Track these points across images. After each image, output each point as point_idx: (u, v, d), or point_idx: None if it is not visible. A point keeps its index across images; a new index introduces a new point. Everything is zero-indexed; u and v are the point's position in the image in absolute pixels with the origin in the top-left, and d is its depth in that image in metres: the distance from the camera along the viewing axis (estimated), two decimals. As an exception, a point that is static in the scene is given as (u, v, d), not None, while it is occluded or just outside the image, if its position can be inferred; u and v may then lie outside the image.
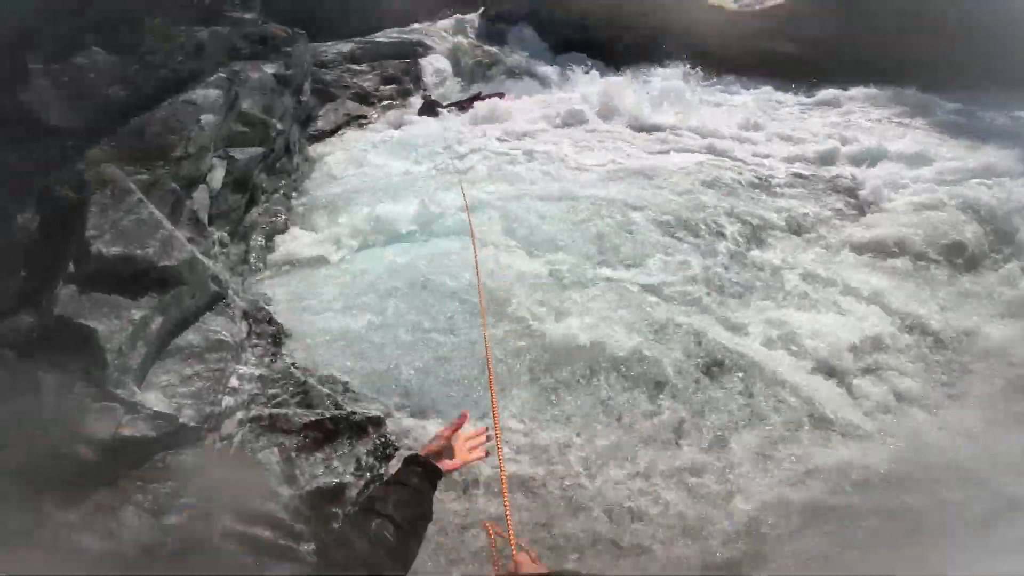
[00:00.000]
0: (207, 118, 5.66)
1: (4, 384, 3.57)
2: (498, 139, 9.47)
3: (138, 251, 4.18)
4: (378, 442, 4.19)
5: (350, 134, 10.65)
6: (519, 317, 5.18)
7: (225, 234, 6.09)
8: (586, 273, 5.79)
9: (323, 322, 5.36)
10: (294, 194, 7.89)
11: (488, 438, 1.65)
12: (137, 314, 3.92)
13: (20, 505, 3.06)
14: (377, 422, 4.34)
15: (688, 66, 12.65)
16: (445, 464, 1.51)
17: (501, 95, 11.99)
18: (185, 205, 5.17)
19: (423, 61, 13.82)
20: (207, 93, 5.97)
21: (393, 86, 12.76)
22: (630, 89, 11.09)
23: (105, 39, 5.52)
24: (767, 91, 11.94)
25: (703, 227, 6.58)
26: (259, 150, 6.85)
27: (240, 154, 6.37)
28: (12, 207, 4.16)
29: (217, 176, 5.98)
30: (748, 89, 12.05)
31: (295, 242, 6.90)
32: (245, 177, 6.87)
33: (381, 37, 15.05)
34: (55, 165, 4.53)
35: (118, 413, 3.50)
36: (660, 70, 12.48)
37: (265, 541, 3.33)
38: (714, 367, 4.77)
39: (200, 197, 5.40)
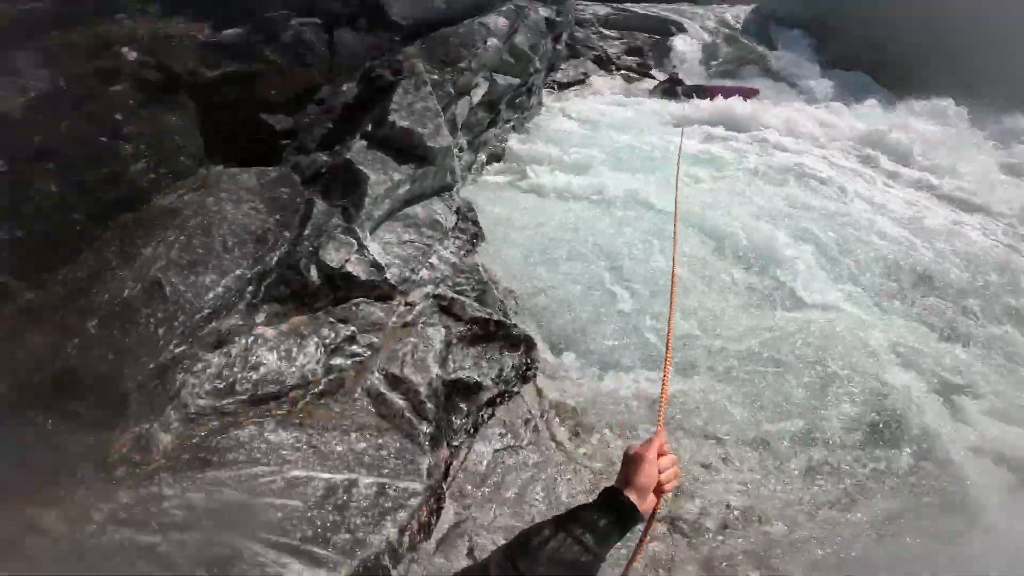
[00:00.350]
0: (492, 41, 6.32)
1: (287, 200, 4.21)
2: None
3: (419, 128, 4.97)
4: (525, 360, 4.43)
5: (583, 92, 11.00)
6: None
7: (465, 142, 6.72)
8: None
9: (514, 242, 5.78)
10: (522, 129, 8.50)
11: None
12: (397, 176, 4.64)
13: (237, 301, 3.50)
14: (530, 343, 4.58)
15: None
16: (645, 505, 1.11)
17: (755, 91, 11.22)
18: (453, 107, 5.89)
19: (673, 40, 13.73)
20: (497, 20, 6.65)
21: (635, 58, 12.93)
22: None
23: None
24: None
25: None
26: (516, 81, 7.33)
27: (501, 80, 6.92)
28: (345, 77, 5.40)
29: (479, 92, 6.55)
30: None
31: (510, 169, 7.54)
32: (497, 101, 7.30)
33: (638, 8, 14.85)
34: (381, 52, 5.68)
35: (352, 249, 4.09)
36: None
37: (395, 408, 3.55)
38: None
39: (463, 104, 6.07)
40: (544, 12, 7.81)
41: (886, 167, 8.37)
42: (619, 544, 1.05)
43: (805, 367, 4.36)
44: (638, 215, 6.37)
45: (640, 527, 1.14)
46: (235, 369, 3.31)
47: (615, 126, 9.17)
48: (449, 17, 6.15)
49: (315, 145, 4.97)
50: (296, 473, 2.83)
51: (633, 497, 1.08)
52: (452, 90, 5.69)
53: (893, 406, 4.00)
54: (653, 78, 12.29)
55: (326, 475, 2.96)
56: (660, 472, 1.13)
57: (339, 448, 3.22)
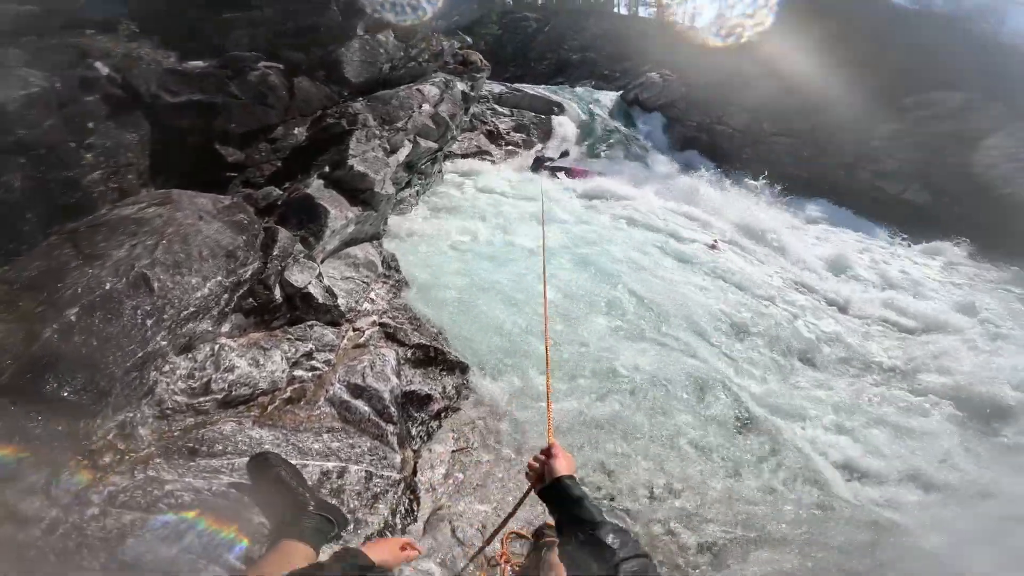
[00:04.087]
0: (425, 107, 6.82)
1: (247, 224, 4.16)
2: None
3: (371, 174, 5.24)
4: (462, 380, 4.73)
5: (473, 163, 11.83)
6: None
7: (390, 197, 7.30)
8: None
9: (432, 288, 6.00)
10: (426, 193, 8.92)
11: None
12: (349, 215, 4.84)
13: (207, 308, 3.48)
14: (464, 366, 4.86)
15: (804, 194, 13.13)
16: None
17: (588, 173, 12.42)
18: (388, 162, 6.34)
19: (554, 119, 15.00)
20: (431, 89, 7.16)
21: (522, 135, 14.01)
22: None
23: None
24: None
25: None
26: (434, 145, 7.73)
27: (423, 143, 7.29)
28: (299, 121, 5.56)
29: (404, 153, 6.79)
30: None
31: (416, 227, 7.75)
32: (416, 162, 7.90)
33: (527, 87, 16.27)
34: (333, 103, 5.97)
35: (314, 273, 4.23)
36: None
37: (361, 413, 3.68)
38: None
39: (392, 161, 6.22)
40: (462, 86, 8.53)
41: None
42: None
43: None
44: (526, 260, 7.25)
45: None
46: (208, 370, 3.26)
47: (502, 192, 10.18)
48: (391, 81, 6.62)
49: (263, 180, 5.03)
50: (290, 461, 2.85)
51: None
52: (388, 146, 6.04)
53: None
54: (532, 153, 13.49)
55: (318, 463, 3.02)
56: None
57: (316, 446, 3.27)
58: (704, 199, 11.37)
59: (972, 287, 10.31)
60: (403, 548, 2.25)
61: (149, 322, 2.88)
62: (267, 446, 3.06)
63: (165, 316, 2.96)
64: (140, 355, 2.79)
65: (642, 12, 29.82)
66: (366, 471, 3.29)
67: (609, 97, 18.14)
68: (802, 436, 5.09)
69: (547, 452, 1.67)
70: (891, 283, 9.59)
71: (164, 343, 2.94)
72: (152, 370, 2.97)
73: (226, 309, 3.49)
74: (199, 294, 3.18)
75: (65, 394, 2.50)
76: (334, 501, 2.83)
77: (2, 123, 3.33)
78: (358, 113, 5.66)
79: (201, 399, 3.10)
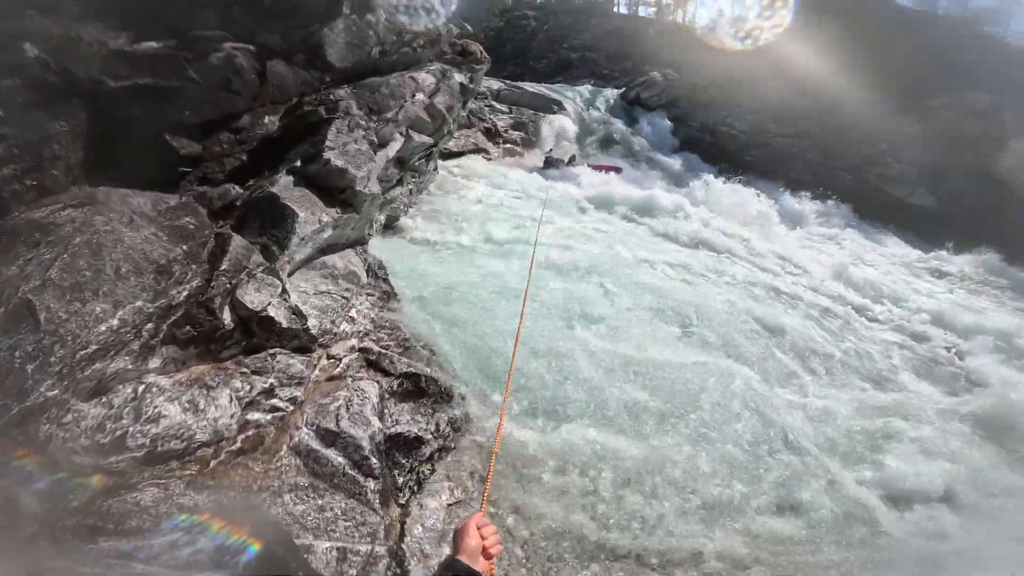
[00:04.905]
0: (419, 97, 6.01)
1: (194, 230, 3.46)
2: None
3: (352, 170, 4.45)
4: (459, 414, 3.99)
5: (469, 161, 11.00)
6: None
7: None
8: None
9: (425, 299, 5.36)
10: (419, 192, 8.15)
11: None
12: (325, 218, 4.06)
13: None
14: (460, 397, 4.13)
15: (809, 196, 12.49)
16: (483, 566, 1.33)
17: (618, 169, 12.18)
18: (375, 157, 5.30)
19: (553, 118, 14.27)
20: (425, 77, 6.37)
21: (520, 133, 13.26)
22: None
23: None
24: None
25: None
26: (429, 140, 6.93)
27: (417, 137, 6.55)
28: (270, 109, 4.70)
29: (394, 147, 6.11)
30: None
31: (409, 227, 7.25)
32: (408, 158, 7.13)
33: (527, 85, 15.56)
34: (313, 90, 5.14)
35: (275, 291, 3.45)
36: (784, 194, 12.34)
37: (333, 466, 2.97)
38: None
39: (381, 156, 5.54)
40: (460, 77, 7.74)
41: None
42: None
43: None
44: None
45: None
46: (124, 420, 2.46)
47: (500, 191, 9.41)
48: (381, 68, 5.81)
49: (223, 176, 4.22)
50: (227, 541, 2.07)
51: (465, 559, 1.26)
52: (375, 139, 5.23)
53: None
54: (536, 152, 12.82)
55: (265, 547, 2.21)
56: (484, 539, 1.31)
57: (274, 511, 2.47)
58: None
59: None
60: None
61: (30, 368, 2.09)
62: (203, 516, 2.27)
63: (53, 358, 2.17)
64: (16, 410, 2.00)
65: (642, 12, 29.04)
66: (338, 547, 2.51)
67: (609, 96, 17.39)
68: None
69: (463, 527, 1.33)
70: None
71: (52, 393, 2.16)
72: (43, 424, 2.18)
73: (152, 341, 2.70)
74: (104, 327, 2.40)
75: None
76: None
77: None
78: (340, 100, 4.85)
79: (113, 458, 2.32)
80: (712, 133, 15.18)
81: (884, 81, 13.26)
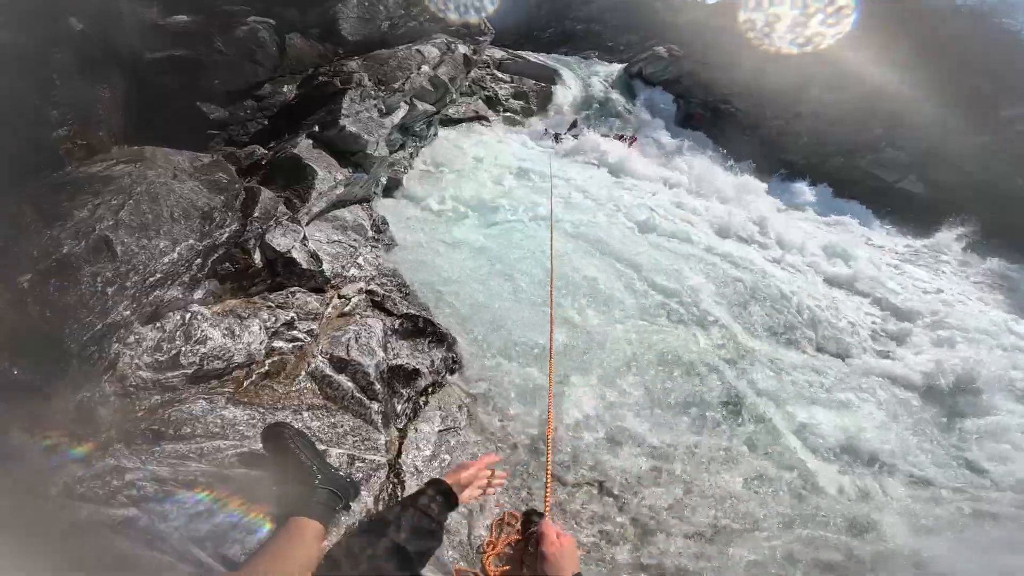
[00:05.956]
0: (425, 68, 6.34)
1: (227, 184, 3.85)
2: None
3: (365, 135, 4.90)
4: (450, 354, 4.45)
5: (469, 127, 10.80)
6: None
7: (381, 158, 6.86)
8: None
9: (423, 254, 5.78)
10: (419, 155, 8.28)
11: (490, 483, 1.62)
12: (339, 177, 4.48)
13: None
14: (452, 341, 4.57)
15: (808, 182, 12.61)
16: (464, 496, 1.49)
17: (634, 139, 12.24)
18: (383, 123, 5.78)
19: (554, 88, 14.30)
20: (430, 49, 6.66)
21: (521, 102, 13.31)
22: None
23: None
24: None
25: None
26: (432, 108, 7.34)
27: (420, 105, 6.89)
28: (288, 79, 5.12)
29: (399, 115, 6.42)
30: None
31: (407, 190, 7.30)
32: (411, 125, 7.37)
33: (529, 55, 15.45)
34: (327, 61, 5.52)
35: (298, 236, 3.90)
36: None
37: (343, 389, 3.39)
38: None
39: (388, 123, 5.90)
40: (463, 49, 8.00)
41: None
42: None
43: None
44: (524, 229, 6.90)
45: None
46: (177, 342, 2.96)
47: (497, 157, 9.58)
48: (389, 40, 6.17)
49: (247, 139, 4.65)
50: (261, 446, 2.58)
51: (451, 482, 1.44)
52: (383, 107, 5.62)
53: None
54: (536, 121, 12.94)
55: (293, 446, 2.73)
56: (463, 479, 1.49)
57: (295, 425, 2.99)
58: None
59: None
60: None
61: (110, 290, 2.58)
62: (241, 427, 2.80)
63: (128, 283, 2.66)
64: (99, 327, 2.50)
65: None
66: (348, 454, 3.04)
67: (613, 69, 17.39)
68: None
69: (539, 535, 1.37)
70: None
71: (127, 313, 2.65)
72: (114, 342, 2.68)
73: (199, 275, 3.18)
74: (167, 259, 2.87)
75: (16, 372, 2.22)
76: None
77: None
78: (353, 72, 5.24)
79: (169, 374, 2.82)
80: (713, 111, 15.21)
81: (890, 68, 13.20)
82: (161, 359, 2.83)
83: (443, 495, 1.43)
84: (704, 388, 4.89)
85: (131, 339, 2.79)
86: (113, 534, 1.92)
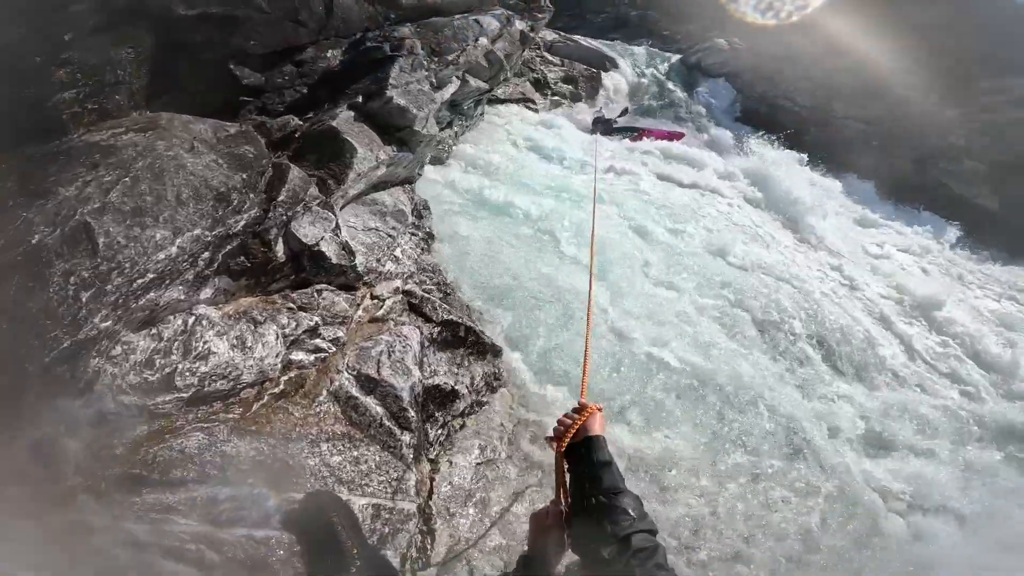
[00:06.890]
0: (483, 41, 5.70)
1: (252, 159, 3.29)
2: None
3: (413, 110, 4.30)
4: (493, 369, 3.87)
5: (515, 110, 10.19)
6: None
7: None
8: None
9: (463, 244, 5.20)
10: (464, 135, 7.74)
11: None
12: (381, 156, 3.89)
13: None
14: (497, 351, 4.03)
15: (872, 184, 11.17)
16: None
17: (681, 135, 11.12)
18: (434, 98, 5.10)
19: (605, 75, 13.26)
20: (489, 20, 6.02)
21: (570, 87, 12.30)
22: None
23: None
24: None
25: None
26: (485, 86, 6.65)
27: (473, 82, 6.22)
28: (334, 43, 4.44)
29: (450, 90, 5.69)
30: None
31: (449, 171, 6.78)
32: (461, 102, 6.77)
33: (581, 39, 14.31)
34: (378, 26, 4.83)
35: (329, 225, 3.30)
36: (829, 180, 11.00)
37: (371, 415, 2.83)
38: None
39: (439, 98, 5.24)
40: (521, 25, 7.23)
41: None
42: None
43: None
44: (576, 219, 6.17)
45: None
46: (172, 356, 2.37)
47: (546, 143, 8.87)
48: (444, 8, 5.45)
49: (283, 108, 4.02)
50: (268, 494, 1.98)
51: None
52: (434, 80, 4.93)
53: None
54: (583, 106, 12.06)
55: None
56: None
57: (311, 462, 2.42)
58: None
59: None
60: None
61: (85, 296, 1.99)
62: (245, 467, 2.21)
63: (109, 287, 2.07)
64: (67, 344, 1.91)
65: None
66: (373, 504, 2.44)
67: (669, 58, 16.21)
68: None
69: (579, 410, 1.43)
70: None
71: (108, 323, 2.05)
72: (94, 356, 2.09)
73: (206, 271, 2.58)
74: (163, 255, 2.27)
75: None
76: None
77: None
78: (405, 38, 4.55)
79: (160, 399, 2.24)
80: (772, 107, 13.93)
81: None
82: (151, 379, 2.25)
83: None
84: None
85: (117, 351, 2.21)
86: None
